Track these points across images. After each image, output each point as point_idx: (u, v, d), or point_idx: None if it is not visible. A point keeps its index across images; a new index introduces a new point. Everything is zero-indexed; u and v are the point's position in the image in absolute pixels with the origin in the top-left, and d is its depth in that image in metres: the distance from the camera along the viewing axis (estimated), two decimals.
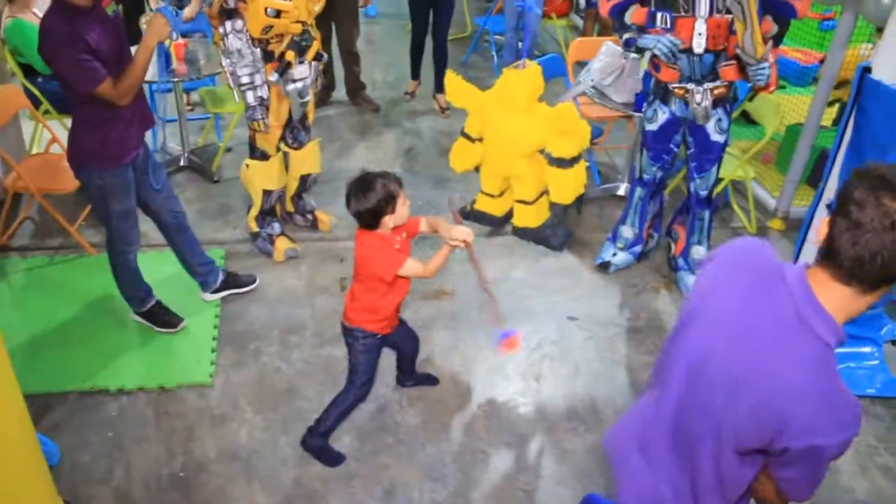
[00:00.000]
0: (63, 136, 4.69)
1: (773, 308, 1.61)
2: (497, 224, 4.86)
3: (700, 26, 3.59)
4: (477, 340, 3.93)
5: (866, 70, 3.82)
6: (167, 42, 3.53)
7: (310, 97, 4.23)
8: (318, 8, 4.08)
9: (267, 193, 4.40)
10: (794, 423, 1.56)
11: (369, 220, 2.82)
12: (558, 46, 7.93)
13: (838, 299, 1.56)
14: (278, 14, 3.79)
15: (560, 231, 4.74)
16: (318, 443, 3.25)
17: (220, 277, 4.10)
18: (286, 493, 3.11)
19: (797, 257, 4.25)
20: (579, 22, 8.48)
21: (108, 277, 3.81)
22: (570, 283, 4.42)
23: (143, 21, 5.01)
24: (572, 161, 4.37)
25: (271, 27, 3.81)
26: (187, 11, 6.06)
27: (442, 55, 6.46)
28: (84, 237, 4.52)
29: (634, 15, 3.81)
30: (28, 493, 2.57)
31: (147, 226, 3.80)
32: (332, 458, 3.25)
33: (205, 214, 4.86)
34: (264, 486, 3.14)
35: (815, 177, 5.25)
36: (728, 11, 3.55)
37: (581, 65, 5.48)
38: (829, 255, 1.53)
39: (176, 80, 4.97)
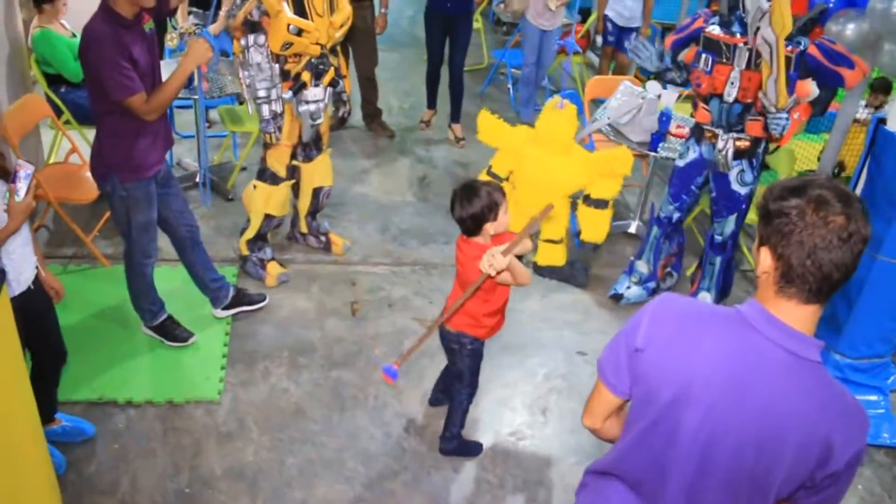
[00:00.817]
0: (83, 146, 4.77)
1: (759, 355, 1.60)
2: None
3: (734, 76, 3.69)
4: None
5: (881, 122, 3.87)
6: (203, 69, 3.59)
7: (322, 120, 4.26)
8: (339, 35, 4.13)
9: (268, 219, 4.41)
10: (836, 441, 1.58)
11: (472, 226, 2.91)
12: (573, 83, 8.00)
13: (808, 319, 1.60)
14: (300, 32, 3.84)
15: (581, 267, 4.78)
16: (454, 444, 3.42)
17: (231, 294, 4.12)
18: None
19: None
20: (595, 59, 8.56)
21: (121, 289, 3.84)
22: (580, 317, 4.44)
23: (169, 39, 5.08)
24: (609, 202, 4.43)
25: (291, 44, 3.86)
26: (213, 28, 6.12)
27: (458, 85, 6.54)
28: (98, 248, 4.54)
29: (686, 54, 3.95)
30: (36, 500, 2.57)
31: (161, 240, 3.81)
32: (474, 449, 3.47)
33: (219, 231, 4.89)
34: None
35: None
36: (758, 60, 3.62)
37: (597, 102, 5.54)
38: (789, 281, 1.56)
39: (196, 97, 5.02)
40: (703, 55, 3.80)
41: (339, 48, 4.26)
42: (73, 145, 4.75)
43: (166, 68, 3.57)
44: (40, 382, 3.14)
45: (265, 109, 3.99)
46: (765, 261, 1.59)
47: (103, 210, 4.67)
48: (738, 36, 3.67)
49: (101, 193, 4.02)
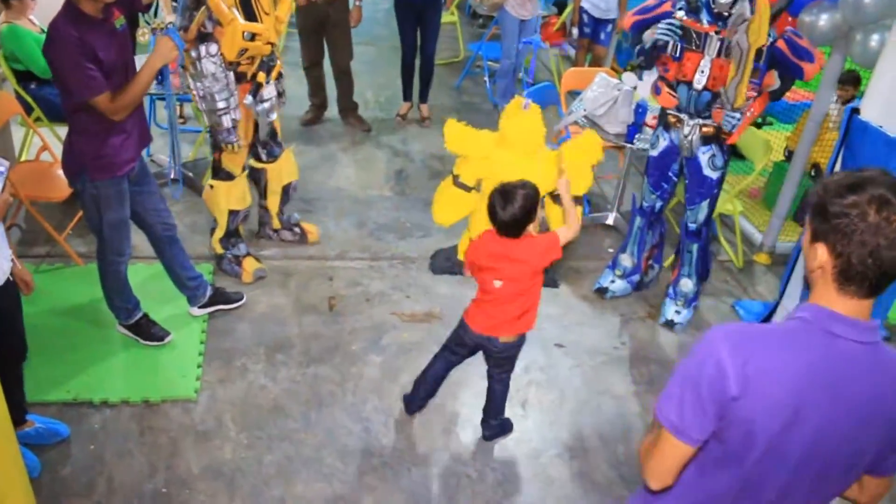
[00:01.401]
0: (54, 143, 4.71)
1: (842, 356, 1.60)
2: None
3: (705, 64, 3.70)
4: (463, 365, 3.91)
5: (854, 111, 3.89)
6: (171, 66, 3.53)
7: (275, 116, 4.25)
8: (283, 27, 4.17)
9: (233, 214, 4.36)
10: None
11: (515, 229, 2.92)
12: (550, 75, 8.00)
13: (866, 310, 1.62)
14: (253, 37, 3.80)
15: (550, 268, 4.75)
16: (496, 428, 3.52)
17: (209, 293, 4.08)
18: None
19: (783, 292, 4.30)
20: (571, 51, 8.56)
21: (95, 288, 3.79)
22: (559, 310, 4.44)
23: (140, 34, 5.00)
24: (580, 197, 4.42)
25: (246, 50, 3.82)
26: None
27: (428, 69, 6.69)
28: (71, 247, 4.48)
29: (651, 32, 3.90)
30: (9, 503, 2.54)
31: (136, 238, 3.77)
32: (509, 426, 3.57)
33: (194, 229, 4.84)
34: None
35: (800, 213, 5.32)
36: (728, 54, 3.64)
37: (573, 94, 5.53)
38: (849, 279, 1.57)
39: (171, 92, 4.95)
40: (672, 41, 3.79)
41: (276, 44, 4.20)
42: (44, 143, 4.68)
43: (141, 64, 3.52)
44: (7, 382, 3.10)
45: (226, 120, 3.92)
46: (821, 257, 1.59)
47: (76, 208, 4.59)
48: (707, 24, 3.66)
49: (73, 191, 3.98)
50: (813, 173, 5.50)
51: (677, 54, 3.77)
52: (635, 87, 4.95)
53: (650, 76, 4.77)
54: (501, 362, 3.31)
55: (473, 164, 4.32)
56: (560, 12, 8.41)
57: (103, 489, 3.14)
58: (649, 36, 3.89)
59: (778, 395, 1.58)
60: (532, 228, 2.97)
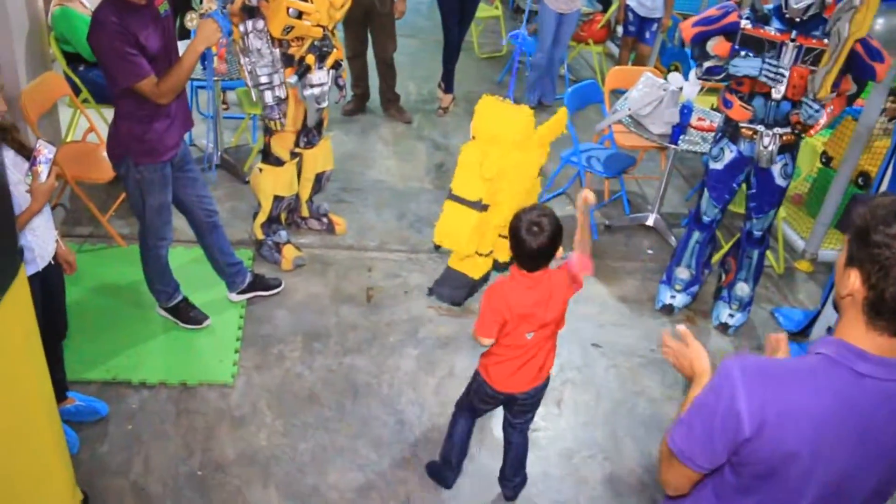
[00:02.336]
0: (100, 125, 4.76)
1: (871, 395, 1.53)
2: (474, 288, 4.44)
3: (784, 71, 3.60)
4: None
5: None
6: (214, 49, 3.54)
7: (327, 104, 4.23)
8: (339, 15, 4.10)
9: (277, 200, 4.39)
10: None
11: (547, 258, 2.70)
12: (592, 73, 7.95)
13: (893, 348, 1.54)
14: (300, 15, 3.80)
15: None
16: (519, 486, 3.26)
17: (248, 279, 4.11)
18: (304, 501, 3.11)
19: (825, 301, 4.24)
20: (615, 50, 8.49)
21: (136, 269, 3.83)
22: (596, 310, 4.41)
23: (189, 19, 5.04)
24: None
25: (292, 28, 3.81)
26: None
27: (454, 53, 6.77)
28: (114, 228, 4.53)
29: (717, 47, 3.80)
30: (50, 480, 2.58)
31: (177, 222, 3.80)
32: (526, 477, 3.29)
33: (235, 214, 4.88)
34: (281, 491, 3.13)
35: (844, 222, 5.23)
36: (815, 63, 3.55)
37: (617, 93, 5.49)
38: (879, 314, 1.48)
39: (215, 78, 4.99)
40: (743, 52, 3.69)
41: (332, 31, 4.19)
42: (90, 124, 4.74)
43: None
44: (50, 359, 3.14)
45: (269, 95, 3.93)
46: (853, 283, 1.50)
47: (119, 190, 4.65)
48: (779, 32, 3.58)
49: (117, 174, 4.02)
50: (861, 182, 5.40)
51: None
52: (681, 88, 4.90)
53: (696, 81, 4.72)
54: (527, 409, 3.06)
55: (475, 169, 4.12)
56: (605, 10, 8.34)
57: (140, 468, 3.17)
58: (713, 49, 3.79)
59: (796, 439, 1.53)
60: (560, 253, 2.74)
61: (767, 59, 3.63)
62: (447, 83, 6.85)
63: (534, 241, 2.62)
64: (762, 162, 3.85)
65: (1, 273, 2.12)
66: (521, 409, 3.05)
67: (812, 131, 3.79)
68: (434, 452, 3.36)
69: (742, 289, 4.30)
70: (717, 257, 4.76)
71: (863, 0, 3.37)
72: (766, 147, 3.80)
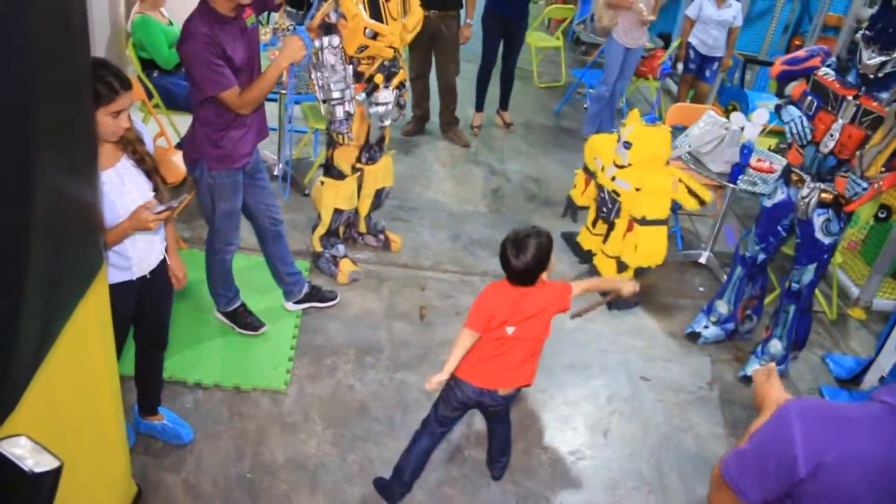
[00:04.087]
0: (170, 131, 4.89)
1: None
2: (583, 257, 5.00)
3: (836, 128, 3.54)
4: (546, 389, 3.95)
5: None
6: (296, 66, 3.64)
7: (390, 122, 4.34)
8: (410, 38, 4.23)
9: (337, 213, 4.46)
10: None
11: (530, 277, 2.80)
12: (648, 108, 7.97)
13: None
14: (375, 36, 3.90)
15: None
16: (506, 464, 3.40)
17: (305, 289, 4.19)
18: None
19: (880, 349, 4.20)
20: (673, 87, 8.52)
21: (197, 272, 3.91)
22: (645, 343, 4.42)
23: (263, 33, 5.18)
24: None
25: (366, 47, 3.91)
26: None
27: (510, 78, 7.01)
28: (176, 231, 4.64)
29: (794, 88, 3.79)
30: (111, 470, 2.65)
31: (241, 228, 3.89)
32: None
33: (294, 226, 4.96)
34: (328, 499, 3.18)
35: None
36: (871, 127, 3.44)
37: (675, 129, 5.51)
38: None
39: (283, 92, 5.10)
40: (809, 97, 3.66)
41: (401, 52, 4.28)
42: (161, 129, 4.88)
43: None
44: (144, 369, 3.23)
45: (339, 111, 4.02)
46: None
47: (183, 194, 4.78)
48: (850, 88, 3.51)
49: (186, 178, 4.14)
50: (882, 215, 5.34)
51: (811, 112, 3.64)
52: (742, 128, 4.90)
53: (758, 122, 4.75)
54: (499, 415, 3.19)
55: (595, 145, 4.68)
56: (666, 46, 8.38)
57: (192, 467, 3.24)
58: (791, 90, 3.79)
59: (854, 486, 1.54)
60: (545, 276, 2.84)
61: (804, 114, 3.66)
62: (479, 101, 7.01)
63: (516, 261, 2.75)
64: (798, 211, 3.82)
65: (87, 267, 2.21)
66: (493, 416, 3.19)
67: (853, 206, 3.66)
68: (481, 473, 3.39)
69: (774, 346, 4.19)
70: (768, 300, 4.72)
71: None
72: (803, 197, 3.75)
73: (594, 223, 4.86)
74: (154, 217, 2.61)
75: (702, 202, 4.50)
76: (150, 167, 2.73)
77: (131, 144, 2.67)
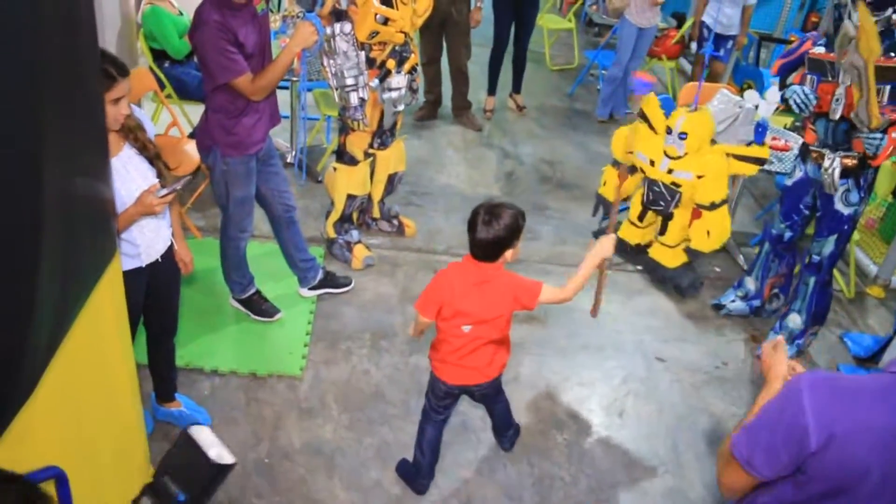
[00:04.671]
0: (182, 121, 4.91)
1: None
2: (630, 252, 4.91)
3: (840, 92, 3.60)
4: (561, 370, 3.95)
5: None
6: (309, 52, 3.64)
7: (403, 107, 4.33)
8: (420, 22, 4.22)
9: (351, 199, 4.47)
10: None
11: (494, 250, 2.69)
12: (664, 89, 7.92)
13: None
14: (386, 21, 3.89)
15: (692, 279, 4.72)
16: (513, 436, 3.45)
17: (319, 275, 4.20)
18: (366, 494, 3.17)
19: None
20: (687, 66, 8.45)
21: (211, 260, 3.95)
22: (661, 324, 4.41)
23: (272, 20, 5.18)
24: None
25: (377, 33, 3.91)
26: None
27: (522, 62, 6.95)
28: (191, 220, 4.67)
29: (795, 76, 3.87)
30: (130, 454, 2.68)
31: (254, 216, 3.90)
32: (519, 428, 3.48)
33: (307, 213, 4.98)
34: (345, 483, 3.20)
35: None
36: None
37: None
38: None
39: (294, 79, 5.11)
40: (809, 76, 3.74)
41: (412, 37, 4.27)
42: (173, 119, 4.89)
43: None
44: (156, 355, 3.26)
45: (354, 97, 4.02)
46: None
47: (197, 183, 4.81)
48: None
49: (200, 167, 4.16)
50: None
51: (814, 88, 3.72)
52: (756, 106, 4.86)
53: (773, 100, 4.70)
54: (489, 398, 3.22)
55: (627, 139, 4.65)
56: (679, 25, 8.31)
57: None
58: (793, 79, 3.86)
59: (866, 457, 1.54)
60: (510, 256, 2.73)
61: (806, 90, 3.71)
62: (491, 85, 6.96)
63: (486, 230, 2.65)
64: (825, 186, 3.83)
65: (101, 253, 2.23)
66: (482, 398, 3.20)
67: (879, 160, 3.69)
68: (497, 455, 3.41)
69: (794, 320, 4.20)
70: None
71: (855, 26, 3.37)
72: (826, 170, 3.78)
73: (640, 217, 4.77)
74: (159, 200, 2.64)
75: (760, 161, 4.43)
76: (152, 154, 2.75)
77: (132, 132, 2.69)
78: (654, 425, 3.70)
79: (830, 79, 3.65)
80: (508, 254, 2.72)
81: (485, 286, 2.76)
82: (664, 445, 3.60)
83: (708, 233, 4.43)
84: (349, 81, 3.96)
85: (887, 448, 1.53)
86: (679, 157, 4.34)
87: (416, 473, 3.21)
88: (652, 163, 4.46)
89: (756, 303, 4.50)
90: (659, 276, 4.74)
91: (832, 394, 1.58)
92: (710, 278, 4.91)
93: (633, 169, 4.60)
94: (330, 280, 4.26)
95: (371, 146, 4.43)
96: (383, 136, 4.46)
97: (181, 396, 3.41)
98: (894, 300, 4.92)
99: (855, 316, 4.77)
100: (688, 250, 4.70)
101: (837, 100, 3.62)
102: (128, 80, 2.56)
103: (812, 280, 4.10)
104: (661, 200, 4.51)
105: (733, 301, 4.54)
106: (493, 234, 2.65)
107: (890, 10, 3.44)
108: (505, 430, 3.40)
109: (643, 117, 4.53)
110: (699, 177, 4.32)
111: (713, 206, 4.37)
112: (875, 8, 3.43)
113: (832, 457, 1.56)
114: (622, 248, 4.85)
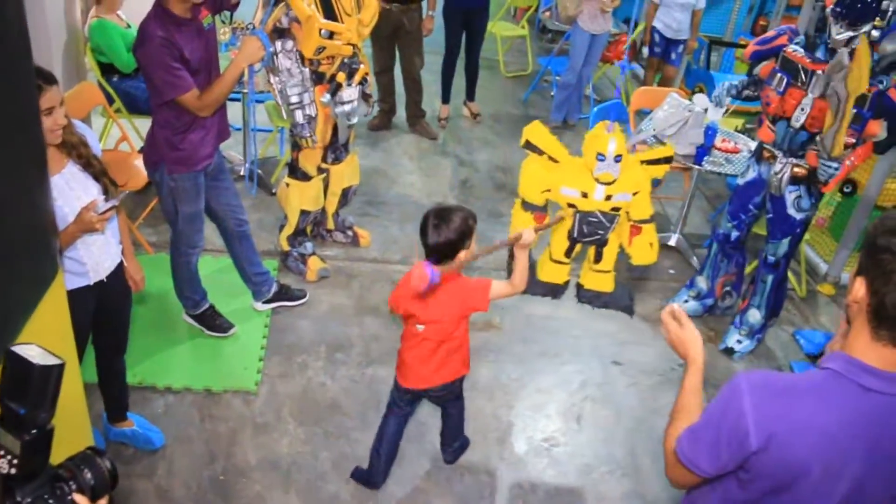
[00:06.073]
0: (132, 135, 4.85)
1: (876, 408, 1.55)
2: (558, 293, 4.45)
3: (806, 102, 3.62)
4: (519, 378, 3.95)
5: None
6: (256, 66, 3.62)
7: (356, 119, 4.30)
8: (367, 32, 4.16)
9: (304, 214, 4.44)
10: None
11: (447, 252, 2.71)
12: (617, 93, 7.98)
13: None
14: (331, 35, 3.87)
15: (623, 292, 4.67)
16: (458, 450, 3.41)
17: (273, 289, 4.17)
18: None
19: None
20: (639, 71, 8.53)
21: (163, 276, 3.90)
22: (616, 327, 4.43)
23: (221, 33, 5.13)
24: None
25: (324, 48, 3.89)
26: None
27: (475, 69, 6.96)
28: (142, 235, 4.62)
29: (763, 68, 3.88)
30: None
31: (206, 230, 3.85)
32: (467, 442, 3.45)
33: (261, 226, 4.94)
34: (302, 498, 3.18)
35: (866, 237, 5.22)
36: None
37: (642, 113, 5.53)
38: (881, 321, 1.52)
39: (245, 91, 5.07)
40: (779, 74, 3.74)
41: (360, 47, 4.25)
42: (123, 133, 4.83)
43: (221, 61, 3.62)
44: (106, 374, 3.20)
45: (299, 115, 4.00)
46: (858, 291, 1.55)
47: (149, 198, 4.76)
48: (819, 63, 3.59)
49: (150, 181, 4.10)
50: (848, 189, 5.52)
51: (781, 89, 3.72)
52: (706, 110, 4.92)
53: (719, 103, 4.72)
54: (446, 402, 3.21)
55: (542, 177, 4.09)
56: (631, 31, 8.39)
57: (164, 471, 3.22)
58: (760, 70, 3.90)
59: (806, 453, 1.56)
60: (464, 256, 2.74)
61: (775, 90, 3.73)
62: (444, 93, 6.99)
63: (436, 234, 2.70)
64: (772, 187, 3.90)
65: (38, 279, 2.18)
66: (438, 402, 3.22)
67: (828, 187, 3.79)
68: (456, 465, 3.41)
69: (753, 315, 4.29)
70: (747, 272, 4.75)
71: (852, 58, 3.38)
72: (776, 173, 3.84)
73: (568, 252, 4.31)
74: (98, 217, 2.57)
75: (668, 160, 4.32)
76: (97, 170, 2.70)
77: (75, 148, 2.64)
78: (612, 429, 3.72)
79: (800, 84, 3.66)
80: (462, 254, 2.74)
81: (437, 289, 2.76)
82: (622, 449, 3.61)
83: (651, 244, 4.37)
84: (293, 99, 3.94)
85: (825, 445, 1.55)
86: (613, 182, 4.03)
87: (371, 468, 3.23)
88: (585, 195, 4.07)
89: (709, 301, 4.56)
90: (601, 304, 4.63)
91: (771, 394, 1.61)
92: (665, 280, 4.95)
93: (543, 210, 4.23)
94: (284, 293, 4.23)
95: (325, 160, 4.41)
96: (337, 150, 4.43)
97: (134, 415, 3.36)
98: (844, 297, 4.98)
99: (807, 314, 4.84)
100: None
101: (803, 109, 3.64)
102: (57, 89, 2.50)
103: (770, 278, 4.20)
104: (599, 230, 4.17)
105: (686, 301, 4.59)
106: (444, 238, 2.69)
107: (868, 26, 3.43)
108: (452, 440, 3.39)
109: (533, 149, 4.06)
110: (635, 194, 4.24)
111: (652, 219, 4.24)
112: (851, 25, 3.43)
113: (773, 455, 1.58)
114: (543, 289, 4.45)
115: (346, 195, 4.71)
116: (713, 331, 4.49)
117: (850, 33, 3.43)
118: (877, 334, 1.54)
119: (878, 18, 3.40)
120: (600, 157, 3.96)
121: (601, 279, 4.49)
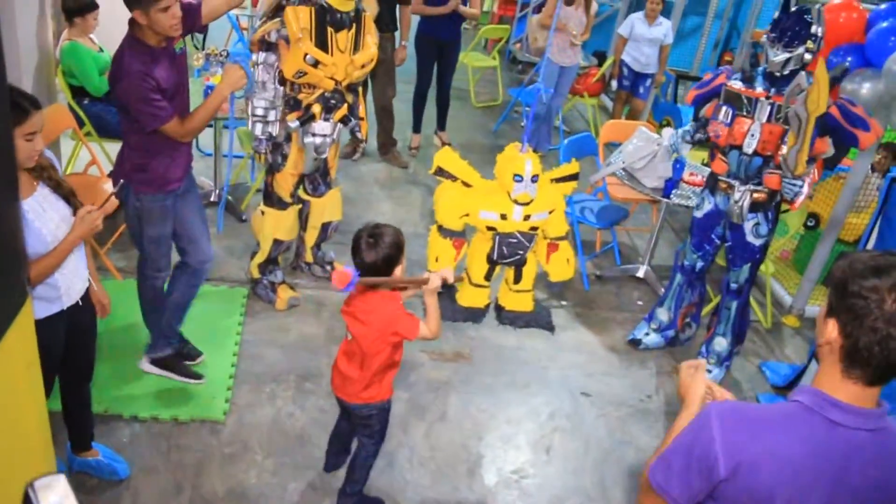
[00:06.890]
0: (102, 159, 4.81)
1: (847, 444, 1.58)
2: (478, 318, 4.66)
3: (755, 128, 3.75)
4: (488, 409, 3.95)
5: (895, 180, 3.91)
6: (239, 93, 3.63)
7: (326, 155, 4.24)
8: (357, 74, 4.12)
9: (277, 243, 4.42)
10: None
11: (383, 268, 2.73)
12: (587, 125, 8.08)
13: (872, 397, 1.60)
14: (316, 64, 3.88)
15: (542, 309, 4.78)
16: (354, 501, 3.21)
17: (168, 351, 3.85)
18: None
19: (812, 355, 4.30)
20: (608, 103, 8.65)
21: (132, 302, 3.84)
22: (585, 359, 4.45)
23: (195, 59, 5.14)
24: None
25: (304, 73, 3.89)
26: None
27: (445, 101, 7.07)
28: (111, 261, 4.57)
29: (707, 109, 4.03)
30: None
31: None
32: None
33: (231, 252, 4.91)
34: None
35: (829, 277, 5.30)
36: (785, 122, 3.68)
37: (611, 146, 5.60)
38: (854, 363, 1.56)
39: (218, 117, 5.05)
40: (724, 108, 3.88)
41: (360, 88, 4.26)
42: (92, 157, 4.80)
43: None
44: (71, 402, 3.15)
45: (259, 128, 4.01)
46: (830, 333, 1.58)
47: (117, 223, 4.70)
48: (760, 90, 3.75)
49: (120, 206, 4.05)
50: (810, 223, 5.62)
51: (728, 120, 3.85)
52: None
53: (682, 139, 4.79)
54: (359, 425, 3.11)
55: (460, 202, 4.27)
56: (600, 64, 8.51)
57: (128, 503, 3.17)
58: (705, 111, 4.05)
59: (771, 483, 1.59)
60: (399, 272, 2.77)
61: (722, 122, 3.87)
62: (416, 123, 7.08)
63: (368, 254, 2.73)
64: (733, 216, 3.98)
65: (9, 302, 2.15)
66: (355, 422, 3.14)
67: (795, 205, 3.89)
68: (424, 498, 3.38)
69: (720, 343, 4.35)
70: (706, 310, 4.82)
71: (811, 80, 3.53)
72: (736, 202, 3.93)
73: (488, 275, 4.52)
74: (99, 212, 2.67)
75: (574, 177, 4.35)
76: (66, 192, 2.71)
77: (45, 171, 2.65)
78: (581, 460, 3.73)
79: (745, 113, 3.80)
80: (398, 270, 2.77)
81: (361, 304, 2.81)
82: (591, 481, 3.62)
83: (567, 260, 4.48)
84: (258, 112, 3.96)
85: (790, 475, 1.58)
86: (531, 202, 4.18)
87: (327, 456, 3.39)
88: (504, 216, 4.21)
89: (670, 333, 4.59)
90: (523, 324, 4.65)
91: (740, 422, 1.64)
92: (634, 311, 4.99)
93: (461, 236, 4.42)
94: (176, 365, 3.86)
95: (304, 190, 4.39)
96: (314, 182, 4.42)
97: (98, 445, 3.30)
98: (809, 329, 5.07)
99: (772, 345, 4.90)
100: None
101: (752, 135, 3.76)
102: (41, 114, 2.50)
103: (734, 304, 4.27)
104: (519, 250, 4.33)
105: (647, 334, 4.62)
106: (382, 254, 2.72)
107: (802, 48, 3.62)
108: (350, 483, 3.20)
109: (445, 175, 4.30)
110: (551, 212, 4.31)
111: (567, 235, 4.43)
112: (786, 47, 3.63)
113: (740, 484, 1.61)
114: (475, 316, 4.64)
115: (325, 230, 4.69)
116: (678, 362, 4.51)
117: (786, 54, 3.63)
118: (848, 373, 1.57)
119: (809, 41, 3.61)
120: (517, 178, 4.10)
121: (521, 299, 4.59)
